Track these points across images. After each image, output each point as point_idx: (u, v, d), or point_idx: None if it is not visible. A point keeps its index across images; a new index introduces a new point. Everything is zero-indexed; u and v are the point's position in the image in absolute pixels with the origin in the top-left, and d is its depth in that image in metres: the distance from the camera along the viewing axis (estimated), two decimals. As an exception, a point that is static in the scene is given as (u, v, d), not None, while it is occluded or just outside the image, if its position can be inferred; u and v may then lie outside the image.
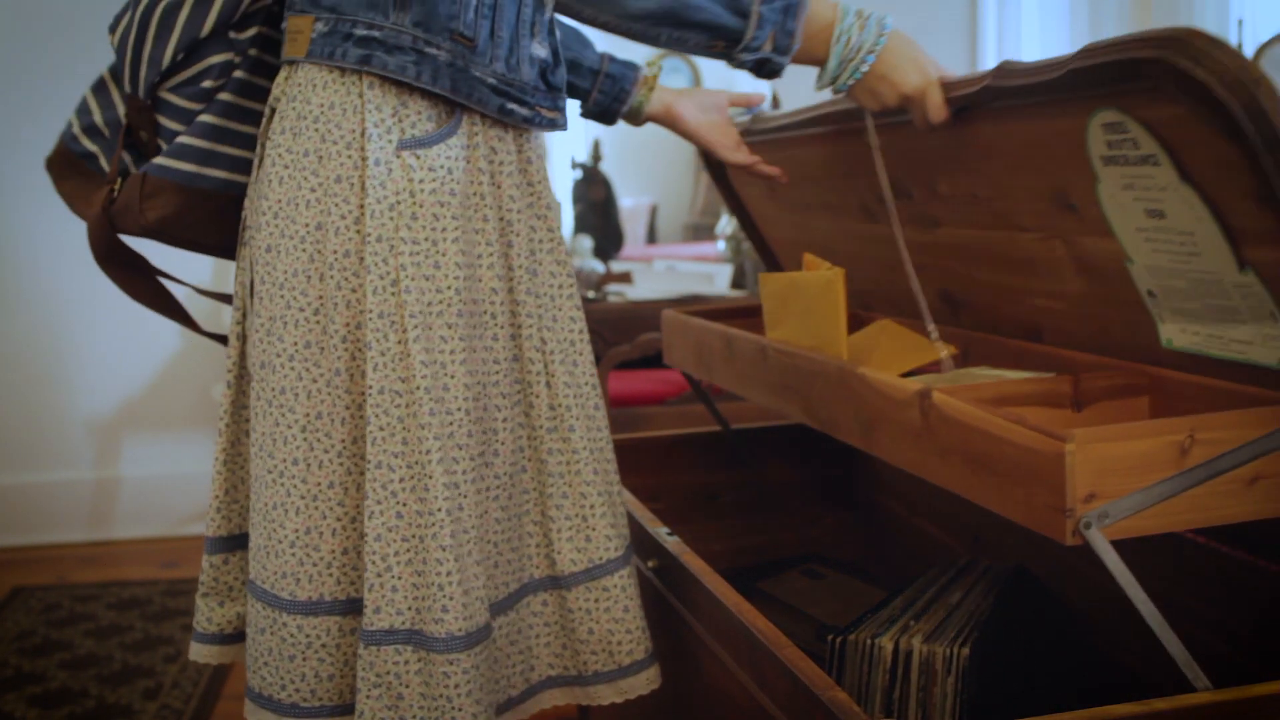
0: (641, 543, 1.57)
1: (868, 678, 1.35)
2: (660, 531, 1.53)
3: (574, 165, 4.28)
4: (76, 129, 1.50)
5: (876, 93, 1.33)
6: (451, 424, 1.30)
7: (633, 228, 4.50)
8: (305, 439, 1.32)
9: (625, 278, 4.21)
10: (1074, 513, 0.94)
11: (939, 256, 1.50)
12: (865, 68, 1.31)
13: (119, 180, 1.45)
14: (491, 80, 1.32)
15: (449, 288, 1.31)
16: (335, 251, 1.31)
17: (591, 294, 4.02)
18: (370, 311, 1.29)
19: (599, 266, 4.17)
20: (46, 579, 3.53)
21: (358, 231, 1.30)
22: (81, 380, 3.95)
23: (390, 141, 1.30)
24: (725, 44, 1.30)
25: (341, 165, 1.31)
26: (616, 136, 4.39)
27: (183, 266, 1.66)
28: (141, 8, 1.41)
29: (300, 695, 1.34)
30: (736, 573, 1.93)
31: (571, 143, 4.34)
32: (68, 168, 1.51)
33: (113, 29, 1.44)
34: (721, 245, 4.32)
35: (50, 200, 4.33)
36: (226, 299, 1.57)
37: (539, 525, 1.41)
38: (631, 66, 1.70)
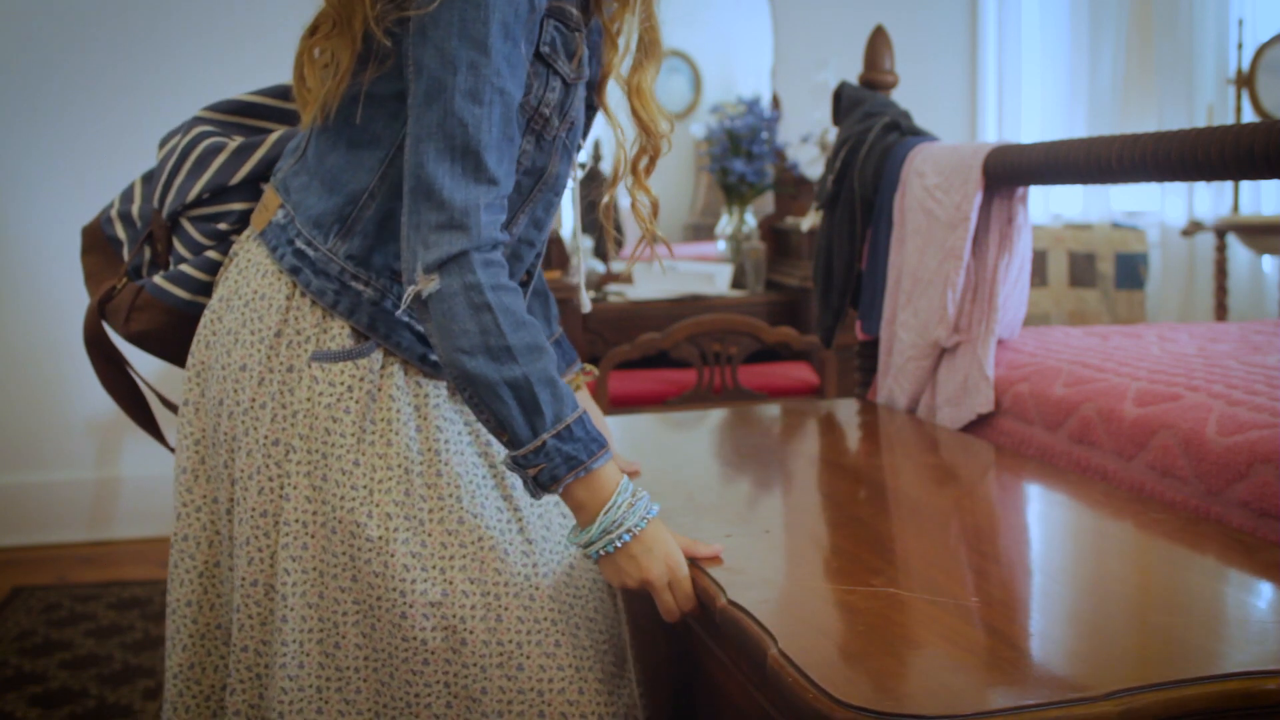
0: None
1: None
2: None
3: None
4: (114, 211, 1.54)
5: (622, 570, 1.30)
6: (322, 630, 1.30)
7: (633, 228, 4.50)
8: (200, 584, 1.38)
9: (625, 278, 4.21)
10: None
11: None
12: (619, 544, 1.28)
13: (124, 279, 1.50)
14: (419, 327, 1.32)
15: (331, 503, 1.29)
16: (225, 432, 1.34)
17: (592, 294, 4.02)
18: (250, 508, 1.31)
19: (599, 266, 4.17)
20: (46, 579, 3.53)
21: (254, 425, 1.32)
22: (81, 380, 3.94)
23: (305, 350, 1.31)
24: (508, 439, 1.26)
25: (249, 355, 1.33)
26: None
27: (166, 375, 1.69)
28: (189, 137, 1.46)
29: None
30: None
31: (571, 143, 4.35)
32: (95, 243, 1.56)
33: (162, 143, 1.49)
34: (721, 245, 4.32)
35: (50, 201, 4.35)
36: None
37: None
38: (571, 358, 1.65)
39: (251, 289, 1.34)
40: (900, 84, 2.50)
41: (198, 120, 1.51)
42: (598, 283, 4.13)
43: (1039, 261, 4.20)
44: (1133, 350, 2.06)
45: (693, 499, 1.63)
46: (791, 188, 4.31)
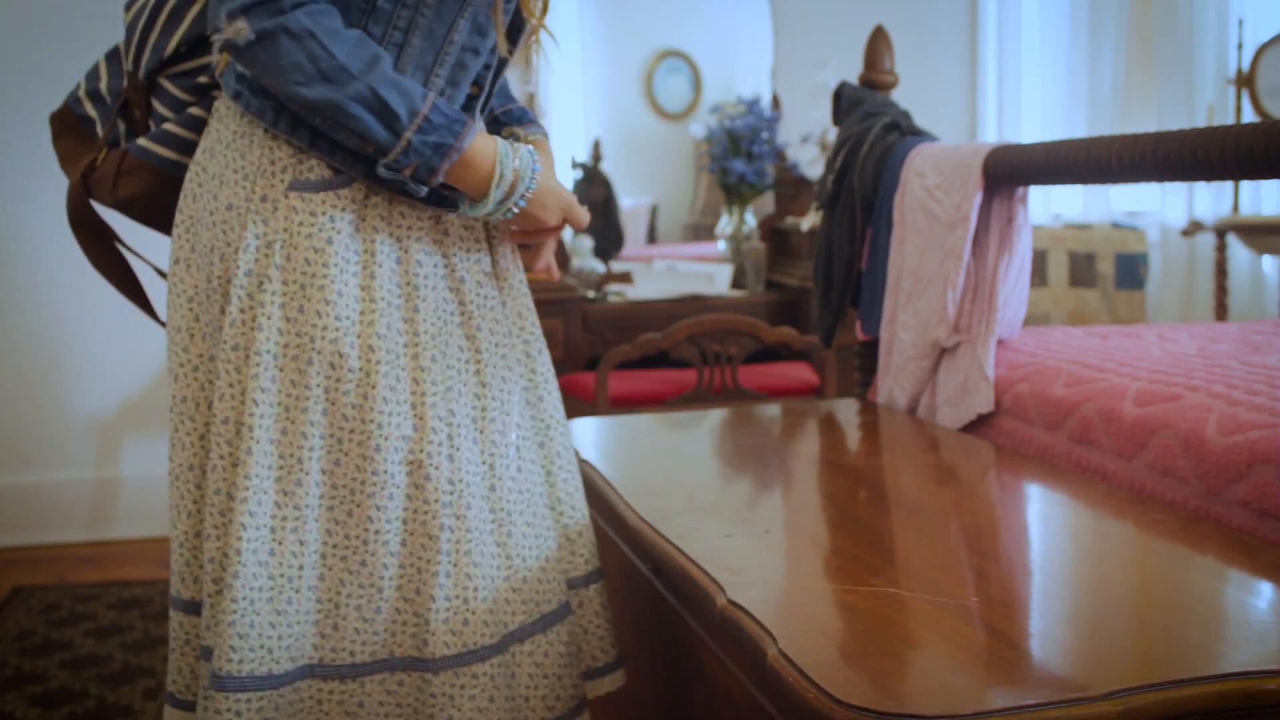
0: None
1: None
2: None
3: (574, 165, 4.28)
4: (82, 91, 1.52)
5: (521, 229, 1.43)
6: (283, 467, 1.31)
7: (633, 228, 4.49)
8: (202, 446, 1.37)
9: (625, 278, 4.21)
10: None
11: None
12: (516, 210, 1.37)
13: (104, 150, 1.48)
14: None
15: (309, 334, 1.30)
16: (219, 277, 1.34)
17: (591, 294, 4.02)
18: (224, 343, 1.32)
19: (599, 266, 4.17)
20: (46, 579, 3.52)
21: (237, 262, 1.32)
22: (82, 380, 3.94)
23: (283, 180, 1.31)
24: (375, 150, 1.28)
25: (235, 194, 1.33)
26: (617, 136, 4.39)
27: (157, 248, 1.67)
28: None
29: (177, 687, 1.42)
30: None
31: (571, 143, 4.34)
32: (67, 126, 1.53)
33: (128, 6, 1.47)
34: (721, 245, 4.32)
35: (50, 201, 4.34)
36: None
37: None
38: (529, 118, 1.62)
39: (231, 131, 1.35)
40: (900, 84, 2.50)
41: None
42: (598, 283, 4.13)
43: (1039, 261, 4.20)
44: (1133, 350, 2.06)
45: (693, 499, 1.63)
46: (791, 188, 4.31)
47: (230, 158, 1.34)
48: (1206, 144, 1.50)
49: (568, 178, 4.26)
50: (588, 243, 4.18)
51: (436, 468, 1.34)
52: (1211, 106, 4.18)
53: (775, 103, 4.41)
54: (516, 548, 1.41)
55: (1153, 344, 2.17)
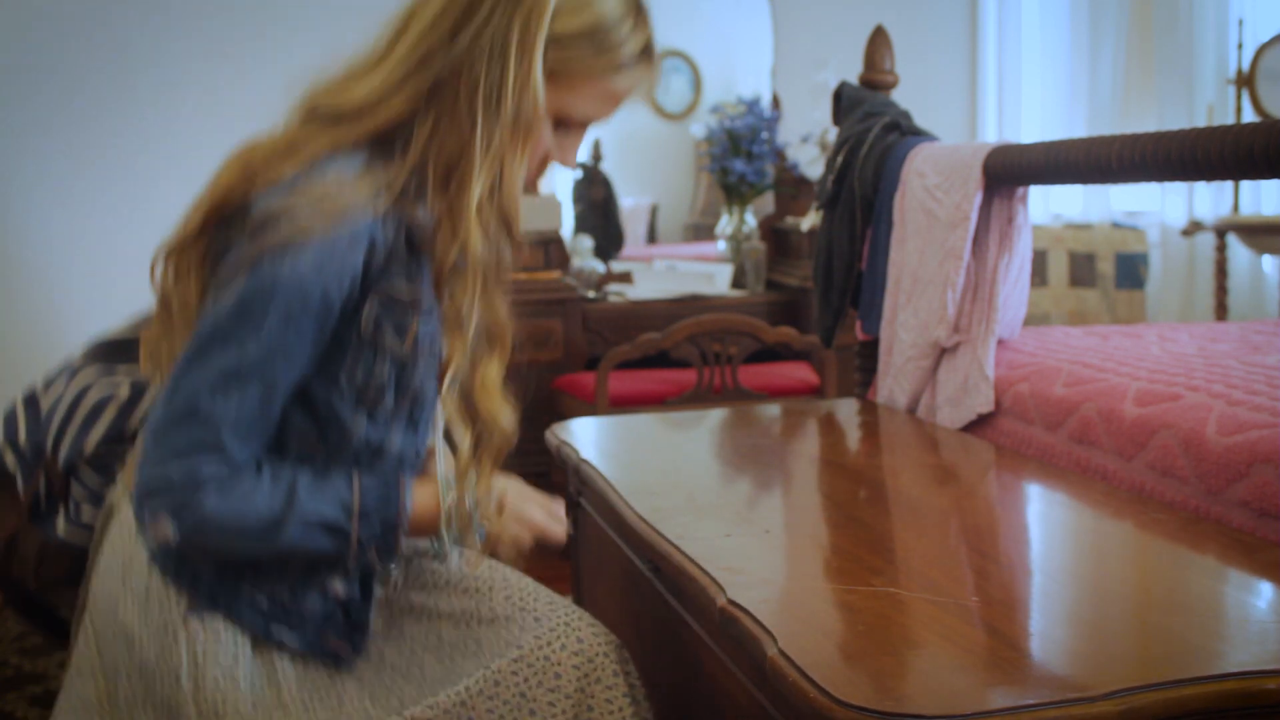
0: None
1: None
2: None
3: (574, 165, 4.28)
4: (1, 439, 1.46)
5: (493, 546, 1.39)
6: None
7: (633, 228, 4.49)
8: None
9: (625, 278, 4.21)
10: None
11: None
12: (481, 540, 1.36)
13: (27, 523, 1.43)
14: (264, 604, 1.29)
15: None
16: (126, 698, 1.28)
17: (591, 294, 4.02)
18: None
19: (599, 266, 4.17)
20: (47, 579, 3.52)
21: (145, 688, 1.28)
22: (82, 380, 3.94)
23: (180, 607, 1.27)
24: (336, 560, 1.28)
25: (129, 616, 1.28)
26: (616, 136, 4.39)
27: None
28: (76, 386, 1.41)
29: None
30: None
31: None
32: None
33: (47, 384, 1.43)
34: (721, 245, 4.32)
35: (51, 201, 4.33)
36: None
37: None
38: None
39: (126, 552, 1.30)
40: (900, 84, 2.50)
41: (80, 364, 1.45)
42: (598, 283, 4.13)
43: (1039, 261, 4.20)
44: (1133, 350, 2.06)
45: (693, 499, 1.63)
46: (791, 188, 4.31)
47: (125, 577, 1.29)
48: (1206, 144, 1.50)
49: (568, 178, 4.26)
50: (588, 243, 4.18)
51: None
52: (1211, 106, 4.18)
53: (775, 103, 4.41)
54: None
55: (1153, 344, 2.17)
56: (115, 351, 1.45)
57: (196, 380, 1.19)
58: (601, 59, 1.28)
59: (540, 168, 1.36)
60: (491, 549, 1.39)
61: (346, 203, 1.20)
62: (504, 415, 1.34)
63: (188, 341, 1.22)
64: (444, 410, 1.33)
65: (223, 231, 1.25)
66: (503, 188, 1.28)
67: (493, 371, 1.34)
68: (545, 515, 1.41)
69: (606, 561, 1.84)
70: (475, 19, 1.24)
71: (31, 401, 1.44)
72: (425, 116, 1.26)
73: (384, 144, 1.27)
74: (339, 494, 1.26)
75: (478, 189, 1.26)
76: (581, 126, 1.35)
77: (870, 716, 0.95)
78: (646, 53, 1.32)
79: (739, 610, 1.19)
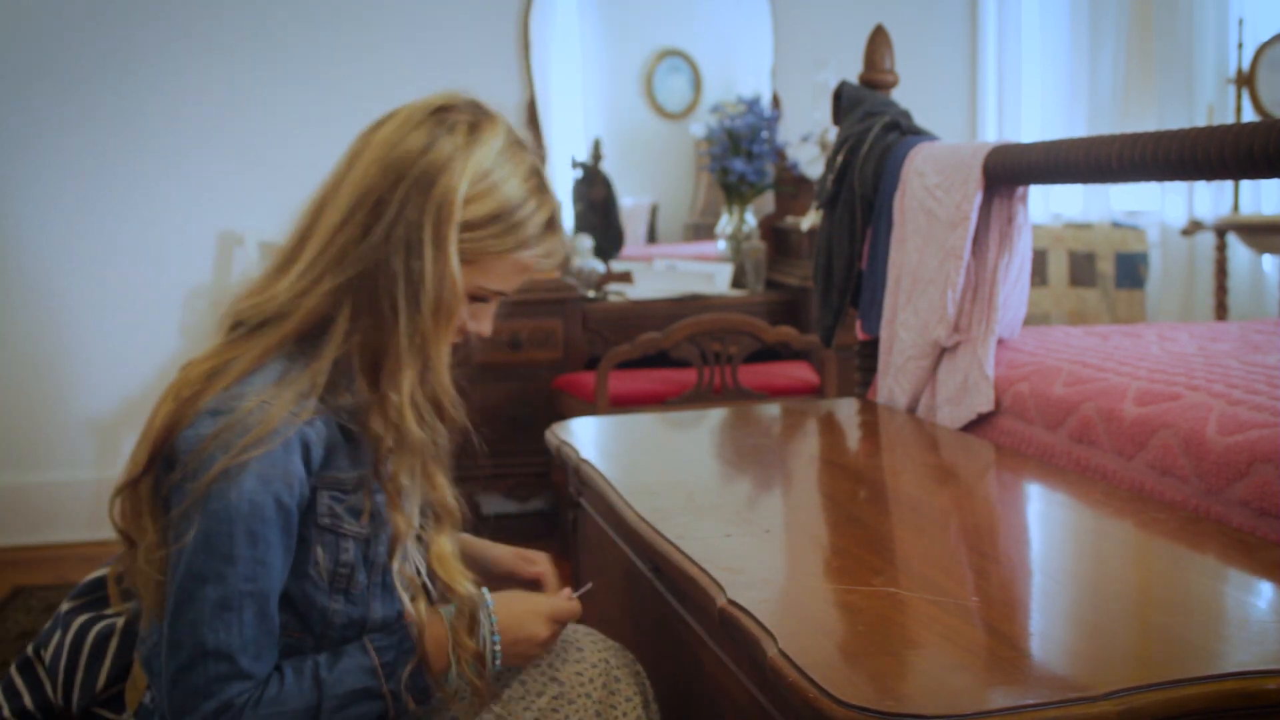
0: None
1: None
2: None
3: (574, 165, 4.28)
4: (7, 711, 1.46)
5: (523, 657, 1.40)
6: None
7: (633, 227, 4.49)
8: None
9: (625, 277, 4.21)
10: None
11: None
12: (499, 665, 1.37)
13: None
14: None
15: None
16: None
17: (591, 294, 4.02)
18: None
19: (599, 266, 4.17)
20: (46, 579, 3.52)
21: None
22: (82, 380, 3.94)
23: None
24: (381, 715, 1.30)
25: None
26: (617, 136, 4.38)
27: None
28: (72, 632, 1.42)
29: None
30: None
31: (572, 142, 4.34)
32: None
33: (43, 645, 1.44)
34: (722, 245, 4.32)
35: (51, 201, 4.33)
36: None
37: None
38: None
39: None
40: (900, 84, 2.50)
41: (68, 613, 1.46)
42: (598, 282, 4.13)
43: (1039, 261, 4.19)
44: (1133, 350, 2.06)
45: (693, 499, 1.63)
46: (791, 187, 4.30)
47: None
48: (1206, 144, 1.50)
49: (568, 177, 4.26)
50: (588, 242, 4.18)
51: None
52: (1211, 106, 4.18)
53: (775, 102, 4.41)
54: None
55: (1153, 343, 2.17)
56: (99, 587, 1.49)
57: (193, 623, 1.21)
58: (510, 238, 1.32)
59: (458, 338, 1.38)
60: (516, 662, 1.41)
61: (270, 416, 1.23)
62: (462, 582, 1.35)
63: (169, 592, 1.24)
64: (401, 591, 1.34)
65: (165, 470, 1.27)
66: (431, 372, 1.31)
67: (444, 545, 1.36)
68: (548, 620, 1.40)
69: (606, 561, 1.84)
70: (386, 215, 1.27)
71: (26, 666, 1.45)
72: (345, 310, 1.28)
73: (309, 340, 1.29)
74: (358, 662, 1.29)
75: (408, 378, 1.29)
76: (496, 296, 1.38)
77: (870, 716, 0.95)
78: (551, 225, 1.37)
79: (739, 610, 1.19)
